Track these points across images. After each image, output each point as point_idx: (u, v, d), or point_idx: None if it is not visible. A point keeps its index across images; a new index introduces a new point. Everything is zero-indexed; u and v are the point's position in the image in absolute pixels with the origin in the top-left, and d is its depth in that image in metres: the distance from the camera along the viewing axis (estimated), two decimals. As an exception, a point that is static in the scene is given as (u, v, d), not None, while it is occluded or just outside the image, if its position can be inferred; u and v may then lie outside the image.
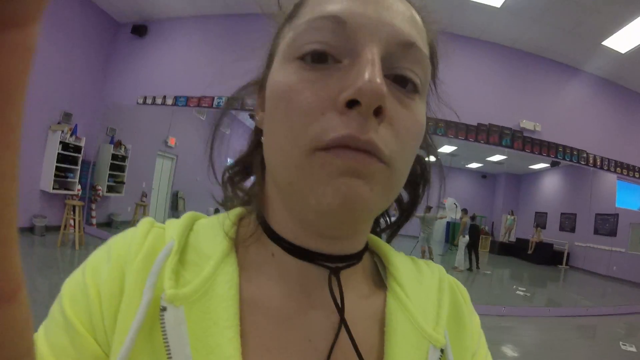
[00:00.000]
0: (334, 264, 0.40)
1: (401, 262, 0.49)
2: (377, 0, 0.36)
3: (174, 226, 0.42)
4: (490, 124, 6.43)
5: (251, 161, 0.50)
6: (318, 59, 0.35)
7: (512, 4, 5.68)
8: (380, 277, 0.48)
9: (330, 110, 0.33)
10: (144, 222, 0.43)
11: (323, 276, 0.41)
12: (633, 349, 4.67)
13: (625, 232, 7.98)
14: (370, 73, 0.31)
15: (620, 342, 4.91)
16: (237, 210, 0.47)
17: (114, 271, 0.38)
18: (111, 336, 0.36)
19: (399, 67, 0.36)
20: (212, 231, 0.43)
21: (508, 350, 4.27)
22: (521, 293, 7.01)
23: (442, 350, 0.42)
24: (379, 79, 0.31)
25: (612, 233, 7.98)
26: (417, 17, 0.40)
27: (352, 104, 0.32)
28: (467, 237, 7.78)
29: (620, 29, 5.73)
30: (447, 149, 8.01)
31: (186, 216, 0.45)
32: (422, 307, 0.44)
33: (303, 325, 0.40)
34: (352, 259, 0.42)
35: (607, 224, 8.11)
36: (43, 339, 0.37)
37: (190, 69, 7.02)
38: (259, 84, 0.47)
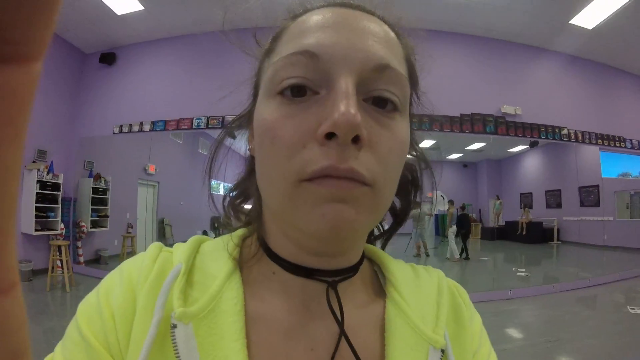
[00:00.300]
0: (331, 278, 0.43)
1: (399, 269, 0.50)
2: (349, 26, 0.38)
3: (181, 250, 0.45)
4: (473, 113, 6.59)
5: (248, 185, 0.54)
6: (297, 92, 0.37)
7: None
8: (379, 285, 0.50)
9: (311, 142, 0.35)
10: (153, 247, 0.46)
11: (322, 290, 0.43)
12: (641, 311, 4.76)
13: (607, 201, 8.20)
14: (344, 105, 0.33)
15: (628, 307, 4.99)
16: (240, 232, 0.50)
17: (126, 293, 0.41)
18: (125, 352, 0.38)
19: (376, 90, 0.37)
20: (217, 253, 0.46)
21: (520, 333, 4.29)
22: (522, 274, 7.08)
23: (442, 351, 0.44)
24: (352, 110, 0.33)
25: (597, 204, 8.21)
26: (391, 35, 0.41)
27: (330, 135, 0.34)
28: (454, 227, 7.90)
29: (585, 6, 5.94)
30: (427, 143, 8.12)
31: (192, 240, 0.47)
32: (421, 310, 0.46)
33: (306, 336, 0.42)
34: (348, 272, 0.45)
35: (591, 196, 8.33)
36: (60, 356, 0.40)
37: (164, 92, 6.92)
38: (249, 115, 0.50)
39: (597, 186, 8.12)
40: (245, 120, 0.51)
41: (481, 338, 0.50)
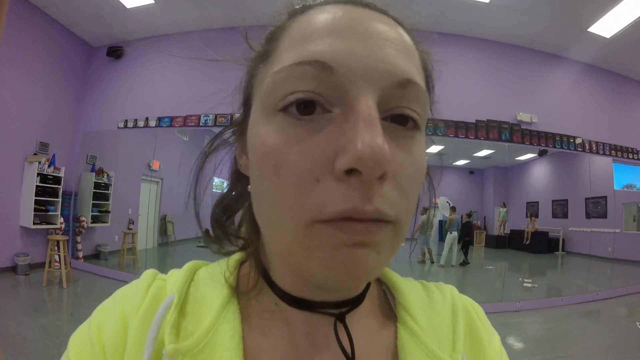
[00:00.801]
0: (338, 310, 0.39)
1: (410, 290, 0.47)
2: (364, 30, 0.32)
3: (175, 278, 0.42)
4: (489, 119, 6.50)
5: (234, 201, 0.49)
6: (304, 108, 0.31)
7: (500, -2, 5.78)
8: (389, 307, 0.47)
9: (326, 175, 0.29)
10: (147, 275, 0.44)
11: (328, 323, 0.40)
12: (653, 327, 4.68)
13: (613, 213, 8.14)
14: (369, 134, 0.28)
15: (637, 323, 4.92)
16: (237, 256, 0.47)
17: (117, 325, 0.38)
18: None
19: (397, 107, 0.32)
20: (213, 280, 0.43)
21: (530, 347, 4.19)
22: (528, 285, 6.99)
23: None
24: (380, 141, 0.28)
25: (604, 215, 8.16)
26: (408, 40, 0.36)
27: (351, 171, 0.28)
28: (453, 233, 7.81)
29: (604, 15, 5.87)
30: (434, 149, 8.09)
31: (187, 267, 0.45)
32: (436, 334, 0.43)
33: None
34: (356, 301, 0.41)
35: (598, 207, 8.27)
36: None
37: (171, 88, 6.80)
38: (239, 128, 0.44)
39: (605, 197, 8.06)
40: (237, 131, 0.45)
41: (501, 358, 0.47)
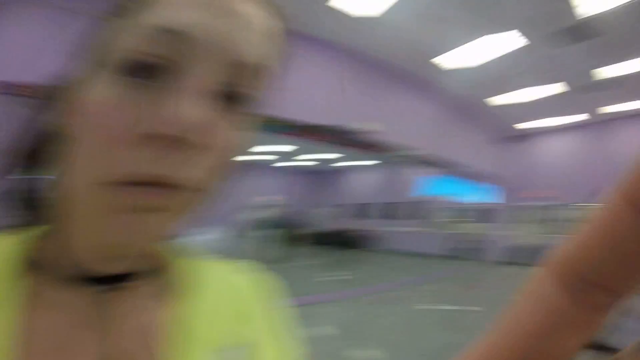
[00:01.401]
0: (111, 285, 0.36)
1: (198, 266, 0.45)
2: (224, 6, 0.30)
3: None
4: (330, 124, 6.54)
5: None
6: (139, 71, 0.28)
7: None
8: (173, 283, 0.43)
9: (126, 140, 0.28)
10: None
11: (98, 299, 0.36)
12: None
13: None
14: (184, 105, 0.27)
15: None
16: (31, 230, 0.39)
17: None
18: None
19: (236, 85, 0.31)
20: None
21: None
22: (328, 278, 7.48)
23: (240, 349, 0.41)
24: (191, 110, 0.27)
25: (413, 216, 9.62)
26: (265, 21, 0.33)
27: (151, 136, 0.28)
28: (268, 230, 8.11)
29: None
30: (281, 147, 8.01)
31: None
32: (216, 311, 0.42)
33: (81, 353, 0.35)
34: (134, 277, 0.38)
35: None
36: None
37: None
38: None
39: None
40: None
41: (272, 330, 0.47)
